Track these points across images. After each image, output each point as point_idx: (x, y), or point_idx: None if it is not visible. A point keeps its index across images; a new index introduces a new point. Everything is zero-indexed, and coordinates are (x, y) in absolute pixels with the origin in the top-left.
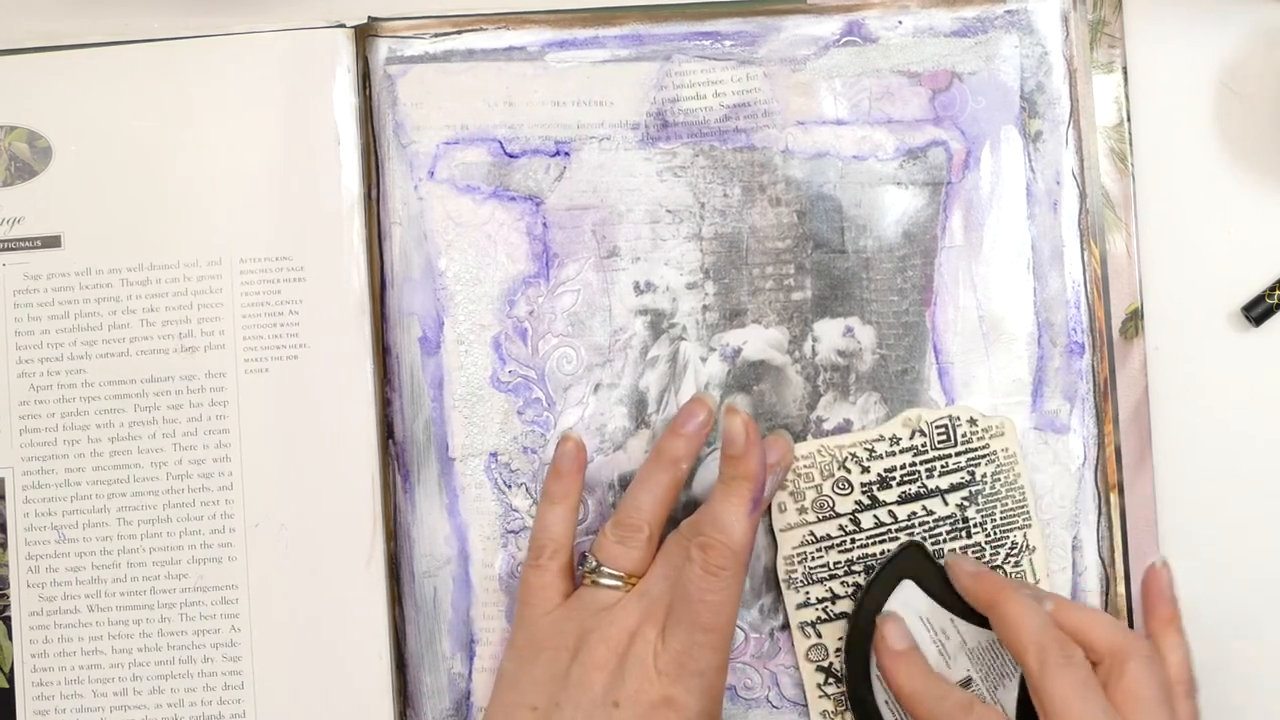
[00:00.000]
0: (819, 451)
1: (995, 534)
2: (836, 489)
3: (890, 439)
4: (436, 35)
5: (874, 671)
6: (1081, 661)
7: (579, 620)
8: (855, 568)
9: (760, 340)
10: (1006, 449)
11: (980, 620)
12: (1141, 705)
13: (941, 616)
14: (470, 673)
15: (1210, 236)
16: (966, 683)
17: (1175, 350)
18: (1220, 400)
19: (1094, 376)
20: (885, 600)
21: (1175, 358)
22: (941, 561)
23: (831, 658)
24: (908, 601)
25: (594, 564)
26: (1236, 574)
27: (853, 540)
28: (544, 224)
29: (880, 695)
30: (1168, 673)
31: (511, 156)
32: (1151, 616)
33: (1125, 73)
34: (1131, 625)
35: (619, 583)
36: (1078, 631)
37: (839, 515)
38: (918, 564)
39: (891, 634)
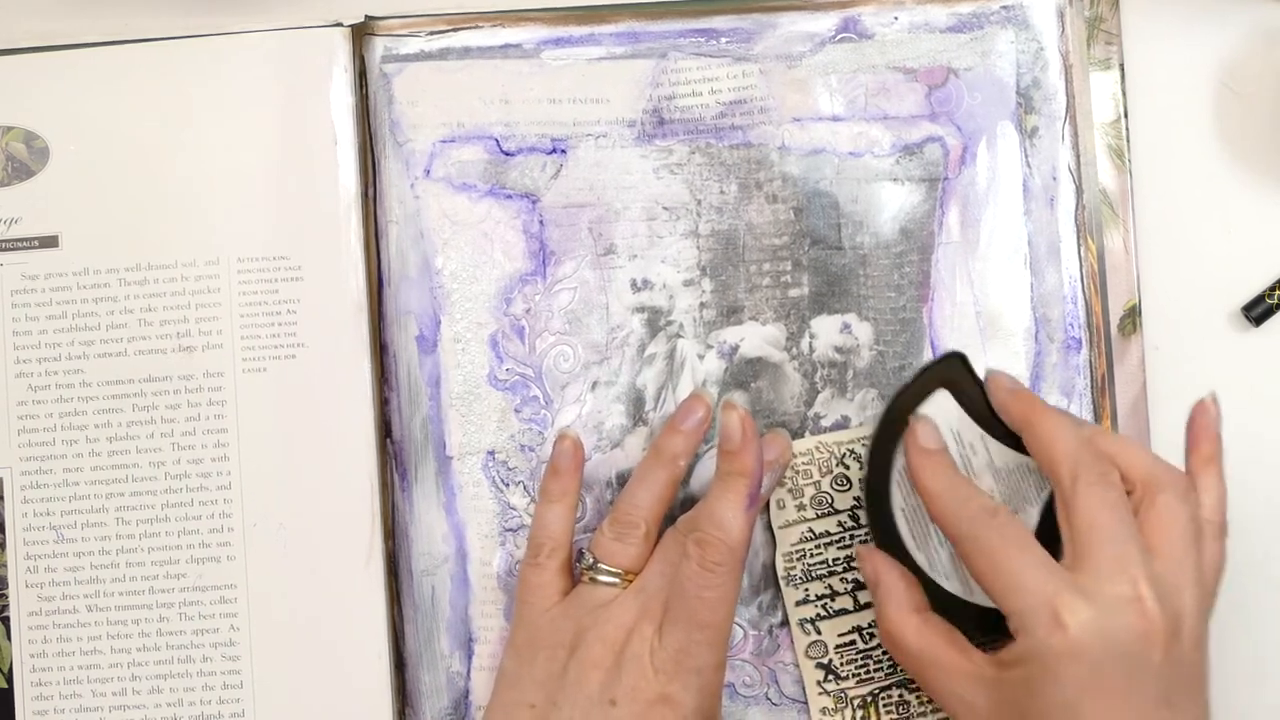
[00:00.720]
0: (817, 448)
1: None
2: (835, 485)
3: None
4: (432, 33)
5: (894, 478)
6: (1115, 482)
7: (576, 618)
8: (854, 564)
9: (758, 337)
10: None
11: (1012, 443)
12: (1169, 536)
13: (972, 431)
14: (469, 671)
15: (1210, 236)
16: None
17: (1175, 350)
18: (1220, 400)
19: (1091, 372)
20: (918, 405)
21: (1175, 358)
22: (981, 376)
23: (831, 654)
24: (940, 410)
25: (591, 561)
26: (1236, 574)
27: (852, 536)
28: (540, 222)
29: (897, 501)
30: (1200, 510)
31: (507, 154)
32: (1193, 452)
33: (1122, 69)
34: None
35: (616, 580)
36: (1114, 458)
37: (838, 511)
38: (957, 374)
39: (923, 433)
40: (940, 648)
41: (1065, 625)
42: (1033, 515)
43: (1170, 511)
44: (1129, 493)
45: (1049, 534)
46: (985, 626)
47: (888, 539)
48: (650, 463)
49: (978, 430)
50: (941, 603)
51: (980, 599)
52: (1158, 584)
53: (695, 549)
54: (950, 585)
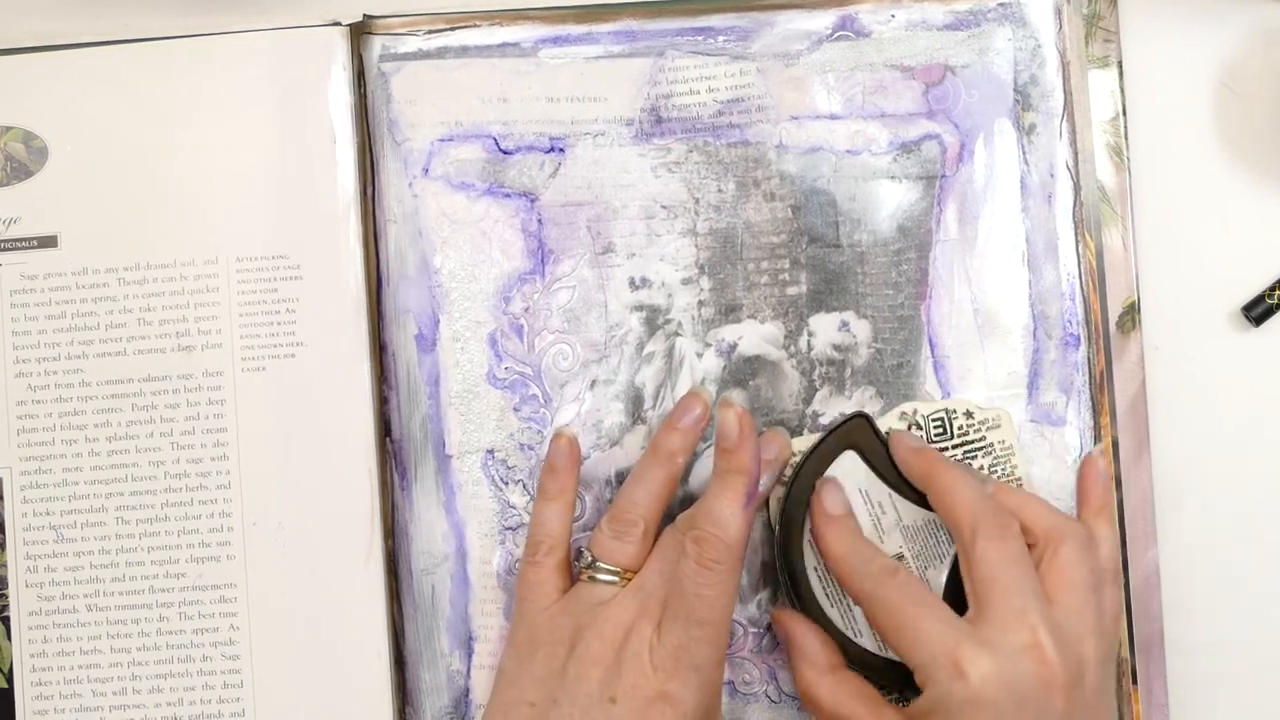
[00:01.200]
0: None
1: None
2: None
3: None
4: (430, 32)
5: (807, 538)
6: (1016, 535)
7: (575, 616)
8: None
9: (756, 335)
10: (1003, 441)
11: (920, 501)
12: (1071, 586)
13: (880, 490)
14: (469, 670)
15: (1210, 236)
16: (898, 559)
17: (1175, 350)
18: (1220, 400)
19: (1090, 369)
20: (825, 468)
21: (1175, 358)
22: (885, 435)
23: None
24: (848, 472)
25: (590, 559)
26: (1236, 573)
27: None
28: (539, 220)
29: (810, 561)
30: (1100, 559)
31: (506, 153)
32: (1084, 505)
33: (1120, 67)
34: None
35: (615, 578)
36: (1015, 512)
37: None
38: (862, 435)
39: (828, 498)
40: (853, 704)
41: (967, 675)
42: (942, 572)
43: (1071, 563)
44: (1032, 546)
45: (959, 589)
46: (899, 681)
47: (801, 599)
48: (648, 461)
49: (885, 489)
50: (856, 658)
51: (893, 655)
52: (1057, 632)
53: (693, 546)
54: (864, 641)
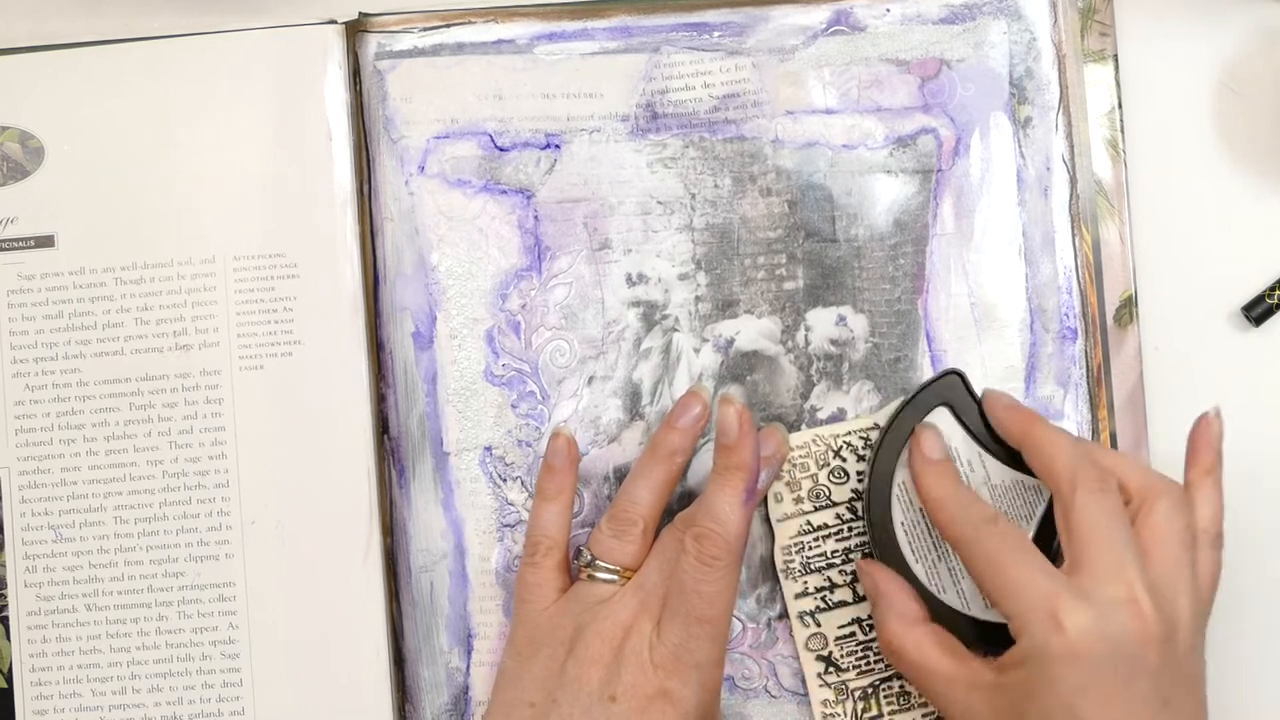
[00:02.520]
0: (814, 441)
1: None
2: (832, 478)
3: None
4: (425, 30)
5: (895, 492)
6: (1114, 490)
7: (575, 615)
8: (853, 556)
9: (753, 330)
10: None
11: (1009, 461)
12: (1165, 543)
13: (969, 449)
14: (468, 667)
15: (1209, 235)
16: None
17: (1174, 350)
18: (1220, 400)
19: (1087, 362)
20: (918, 422)
21: (1175, 358)
22: (979, 394)
23: (831, 646)
24: (940, 426)
25: (589, 558)
26: (1234, 574)
27: (849, 529)
28: (535, 217)
29: (898, 515)
30: (1195, 520)
31: (502, 150)
32: (1192, 464)
33: (1116, 61)
34: None
35: (614, 577)
36: (1111, 469)
37: (835, 504)
38: (956, 392)
39: (928, 443)
40: (939, 657)
41: (1064, 627)
42: (1029, 532)
43: (1165, 520)
44: (1126, 503)
45: (1045, 547)
46: (981, 639)
47: (887, 551)
48: (647, 459)
49: (975, 448)
50: (939, 615)
51: (976, 612)
52: (1153, 588)
53: (693, 543)
54: (948, 598)
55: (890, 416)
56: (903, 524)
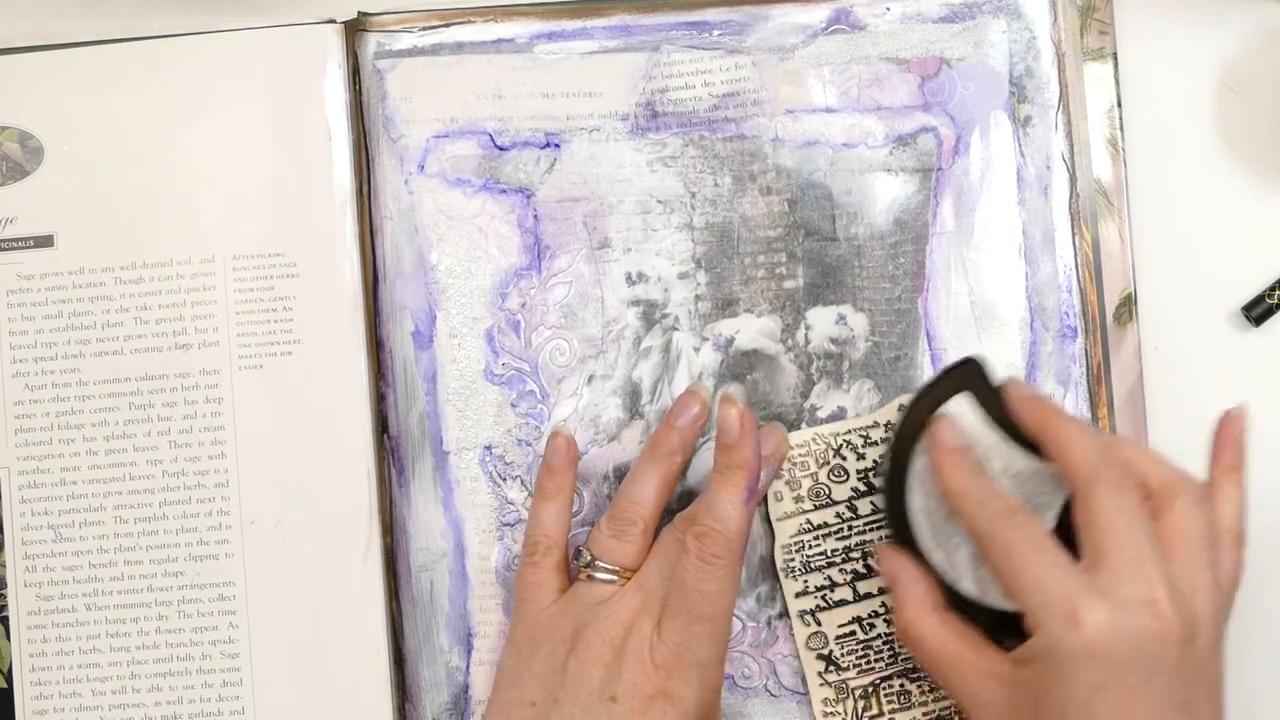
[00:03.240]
0: (814, 439)
1: None
2: (832, 476)
3: (885, 425)
4: (425, 29)
5: (913, 478)
6: (1133, 487)
7: (575, 615)
8: (853, 554)
9: (753, 329)
10: None
11: (1028, 448)
12: (1184, 542)
13: (988, 437)
14: (468, 666)
15: (1209, 235)
16: None
17: (1174, 350)
18: (1220, 400)
19: (1087, 361)
20: (938, 408)
21: (1175, 358)
22: (998, 383)
23: (831, 645)
24: (958, 414)
25: (589, 558)
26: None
27: (850, 527)
28: (535, 216)
29: (917, 502)
30: (1217, 518)
31: (501, 149)
32: (1215, 461)
33: (1115, 59)
34: None
35: (614, 577)
36: (1131, 464)
37: (835, 503)
38: (975, 379)
39: (946, 432)
40: (957, 646)
41: (1082, 624)
42: (1049, 523)
43: (1186, 517)
44: (1145, 499)
45: (1065, 538)
46: (999, 629)
47: (906, 538)
48: (647, 459)
49: (993, 436)
50: (957, 604)
51: (994, 601)
52: (1173, 587)
53: (694, 542)
54: (966, 586)
55: (910, 402)
56: (922, 510)
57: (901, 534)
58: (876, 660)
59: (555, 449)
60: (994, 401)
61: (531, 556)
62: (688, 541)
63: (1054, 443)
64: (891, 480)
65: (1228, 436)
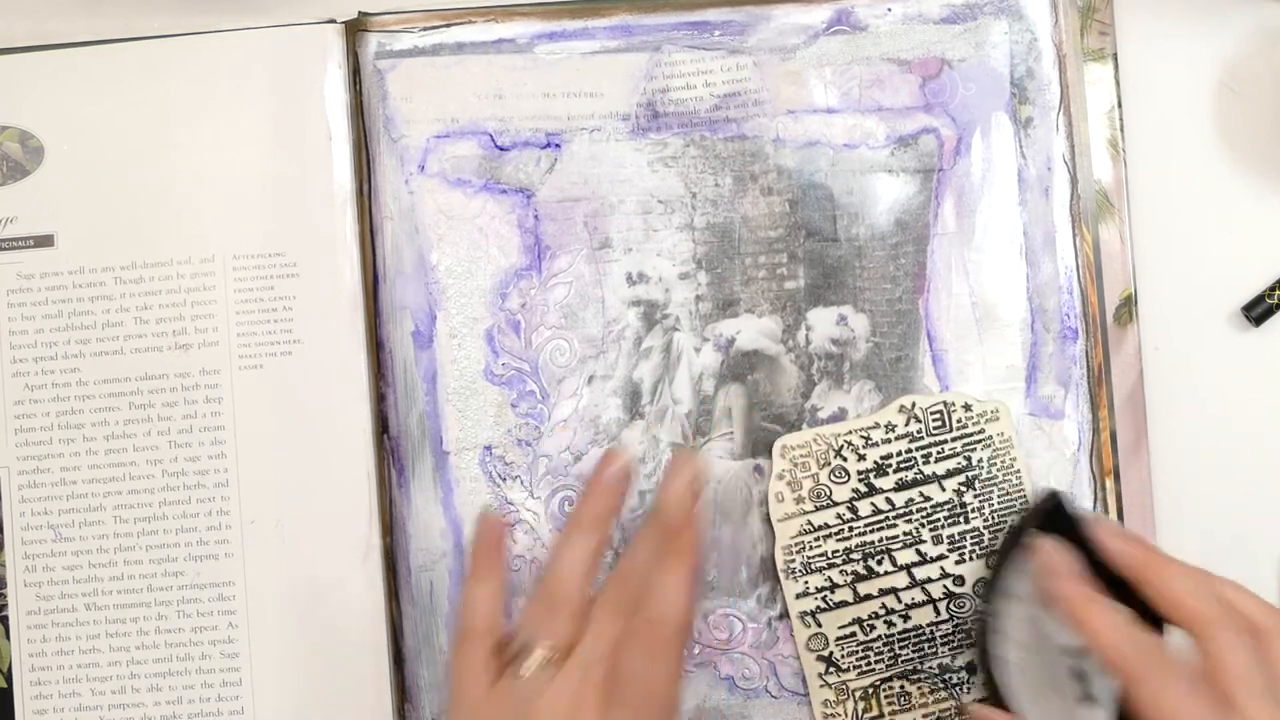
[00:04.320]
0: (814, 440)
1: (993, 518)
2: (833, 477)
3: (886, 426)
4: (425, 29)
5: (1007, 625)
6: (1247, 630)
7: (510, 709)
8: (854, 556)
9: (754, 330)
10: (1002, 433)
11: (1113, 588)
12: None
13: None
14: None
15: (1209, 235)
16: (1083, 651)
17: (1175, 350)
18: (1220, 400)
19: (1088, 362)
20: (1021, 560)
21: (1175, 358)
22: (1081, 517)
23: (831, 646)
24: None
25: (523, 642)
26: (1232, 575)
27: (850, 528)
28: (535, 216)
29: (1012, 653)
30: None
31: (502, 149)
32: None
33: (1116, 60)
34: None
35: (550, 655)
36: (1233, 605)
37: (836, 504)
38: (1056, 517)
39: (1072, 583)
40: None
41: None
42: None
43: None
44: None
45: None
46: None
47: (1001, 691)
48: (573, 529)
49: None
50: None
51: None
52: None
53: (645, 629)
54: None
55: (1000, 549)
56: (1016, 662)
57: (996, 686)
58: (877, 662)
59: (484, 530)
60: (1074, 536)
61: (465, 644)
62: (637, 629)
63: (1156, 584)
64: (984, 640)
65: None
